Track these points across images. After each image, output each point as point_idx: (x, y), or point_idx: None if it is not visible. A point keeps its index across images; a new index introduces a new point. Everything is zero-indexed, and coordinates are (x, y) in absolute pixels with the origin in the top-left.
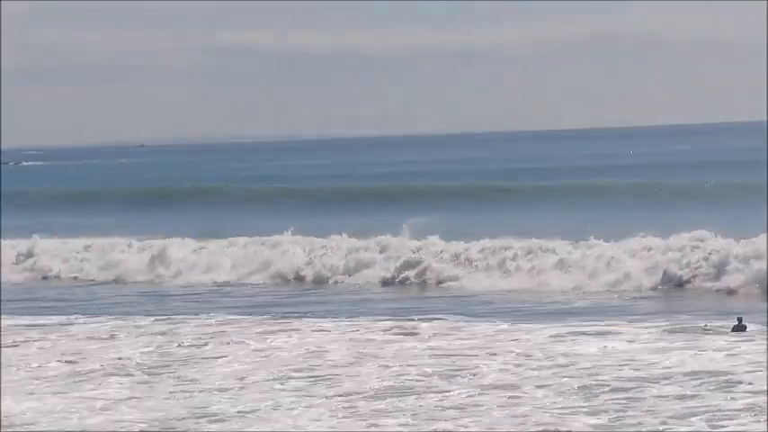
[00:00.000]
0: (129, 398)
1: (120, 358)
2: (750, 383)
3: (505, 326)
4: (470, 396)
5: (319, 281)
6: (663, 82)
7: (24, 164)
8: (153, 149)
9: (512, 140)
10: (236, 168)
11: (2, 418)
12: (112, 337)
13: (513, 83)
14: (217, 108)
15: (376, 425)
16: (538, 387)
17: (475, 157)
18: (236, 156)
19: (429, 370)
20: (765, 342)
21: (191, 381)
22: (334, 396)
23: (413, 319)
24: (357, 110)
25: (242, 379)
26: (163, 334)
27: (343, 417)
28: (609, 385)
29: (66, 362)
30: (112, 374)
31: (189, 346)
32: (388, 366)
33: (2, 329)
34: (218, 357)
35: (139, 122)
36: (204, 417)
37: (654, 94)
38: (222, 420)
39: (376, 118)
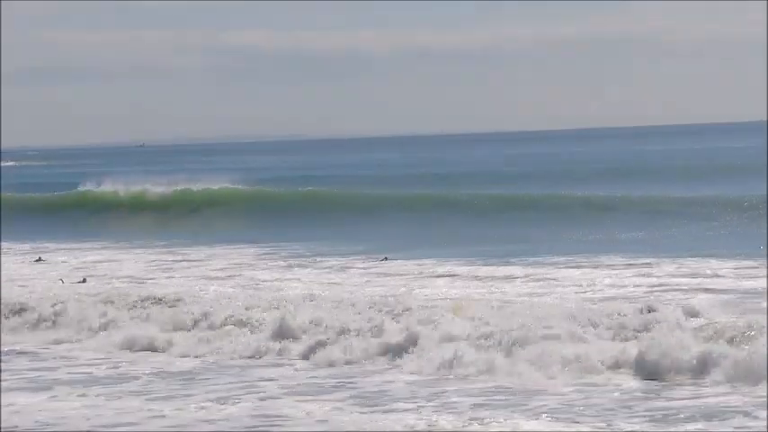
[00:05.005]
0: None
1: None
2: None
3: None
4: None
5: None
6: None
7: None
8: (153, 149)
9: (507, 141)
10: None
11: None
12: None
13: (512, 83)
14: (216, 108)
15: None
16: None
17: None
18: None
19: None
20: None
21: None
22: None
23: None
24: (358, 110)
25: None
26: None
27: None
28: None
29: None
30: None
31: None
32: None
33: None
34: None
35: (139, 122)
36: None
37: (655, 93)
38: None
39: (376, 118)
